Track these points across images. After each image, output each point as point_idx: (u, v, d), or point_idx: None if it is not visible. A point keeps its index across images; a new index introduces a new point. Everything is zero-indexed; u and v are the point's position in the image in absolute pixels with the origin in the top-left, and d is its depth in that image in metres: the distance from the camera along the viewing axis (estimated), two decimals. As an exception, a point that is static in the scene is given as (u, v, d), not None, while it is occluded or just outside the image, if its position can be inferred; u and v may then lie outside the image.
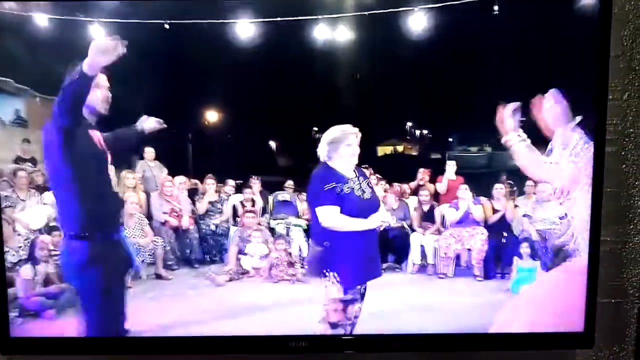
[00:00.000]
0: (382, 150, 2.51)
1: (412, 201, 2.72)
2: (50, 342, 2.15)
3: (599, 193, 2.02)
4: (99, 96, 2.00)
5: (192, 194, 2.67)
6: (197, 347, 2.15)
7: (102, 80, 1.99)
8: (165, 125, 2.19)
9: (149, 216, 2.59)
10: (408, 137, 2.44)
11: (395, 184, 2.66)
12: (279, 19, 2.09)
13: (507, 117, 2.05)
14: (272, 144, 2.46)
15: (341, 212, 2.15)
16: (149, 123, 2.18)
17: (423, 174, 2.60)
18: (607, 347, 2.33)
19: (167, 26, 2.11)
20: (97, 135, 2.05)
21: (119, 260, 2.17)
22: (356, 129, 2.14)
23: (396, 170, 2.58)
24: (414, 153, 2.46)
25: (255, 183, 2.67)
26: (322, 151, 2.17)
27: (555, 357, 2.30)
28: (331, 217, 2.14)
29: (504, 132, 2.07)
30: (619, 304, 2.29)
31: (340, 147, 2.15)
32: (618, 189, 2.22)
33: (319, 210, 2.15)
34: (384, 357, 2.29)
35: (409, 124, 2.40)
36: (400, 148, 2.50)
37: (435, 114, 2.32)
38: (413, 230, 2.68)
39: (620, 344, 2.34)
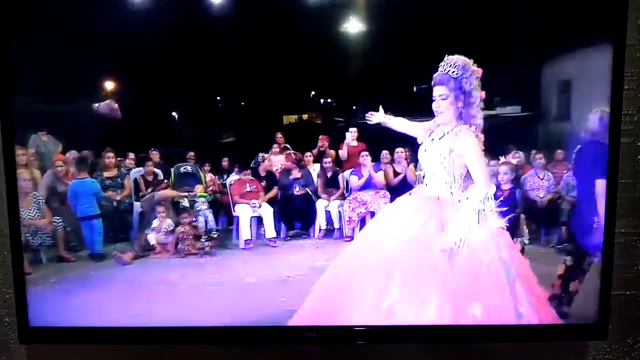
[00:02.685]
0: (287, 119, 2.52)
1: (315, 168, 2.77)
2: (68, 331, 2.11)
3: (613, 184, 1.99)
4: None
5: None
6: (211, 338, 2.12)
7: None
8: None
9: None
10: (312, 106, 2.47)
11: (291, 152, 2.70)
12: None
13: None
14: (174, 114, 2.39)
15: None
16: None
17: (322, 140, 2.65)
18: (621, 339, 2.28)
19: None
20: None
21: None
22: None
23: (301, 139, 2.62)
24: (319, 121, 2.50)
25: (155, 155, 2.59)
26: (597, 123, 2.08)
27: (567, 349, 2.27)
28: None
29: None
30: (633, 296, 2.23)
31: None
32: (633, 180, 2.15)
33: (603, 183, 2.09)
34: (394, 348, 2.27)
35: (313, 92, 2.43)
36: (305, 116, 2.53)
37: (339, 82, 2.36)
38: (318, 197, 2.74)
39: (635, 336, 2.29)
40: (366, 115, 2.28)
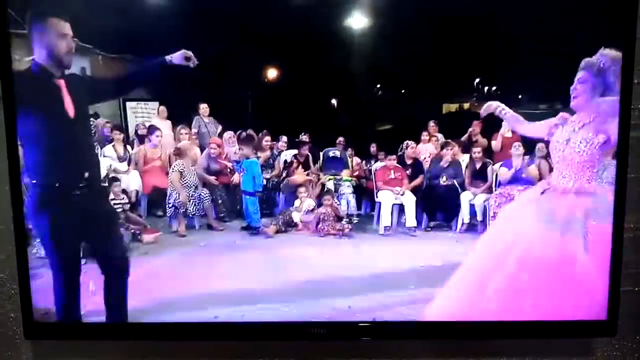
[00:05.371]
0: (447, 107, 2.45)
1: (464, 159, 2.67)
2: (73, 327, 2.13)
3: (622, 179, 2.00)
4: (63, 46, 1.92)
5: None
6: (215, 333, 2.16)
7: (66, 29, 1.90)
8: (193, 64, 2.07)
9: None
10: (474, 95, 2.37)
11: (440, 140, 2.63)
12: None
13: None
14: (327, 100, 2.42)
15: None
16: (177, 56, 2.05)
17: (475, 126, 2.54)
18: (630, 336, 2.28)
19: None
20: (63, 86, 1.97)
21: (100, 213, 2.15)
22: None
23: (458, 128, 2.55)
24: (479, 111, 2.40)
25: (306, 139, 2.65)
26: None
27: (574, 345, 2.28)
28: None
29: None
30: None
31: None
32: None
33: None
34: (401, 344, 2.29)
35: (477, 80, 2.32)
36: (466, 105, 2.44)
37: (501, 70, 2.26)
38: (464, 189, 2.65)
39: (644, 333, 2.27)
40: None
